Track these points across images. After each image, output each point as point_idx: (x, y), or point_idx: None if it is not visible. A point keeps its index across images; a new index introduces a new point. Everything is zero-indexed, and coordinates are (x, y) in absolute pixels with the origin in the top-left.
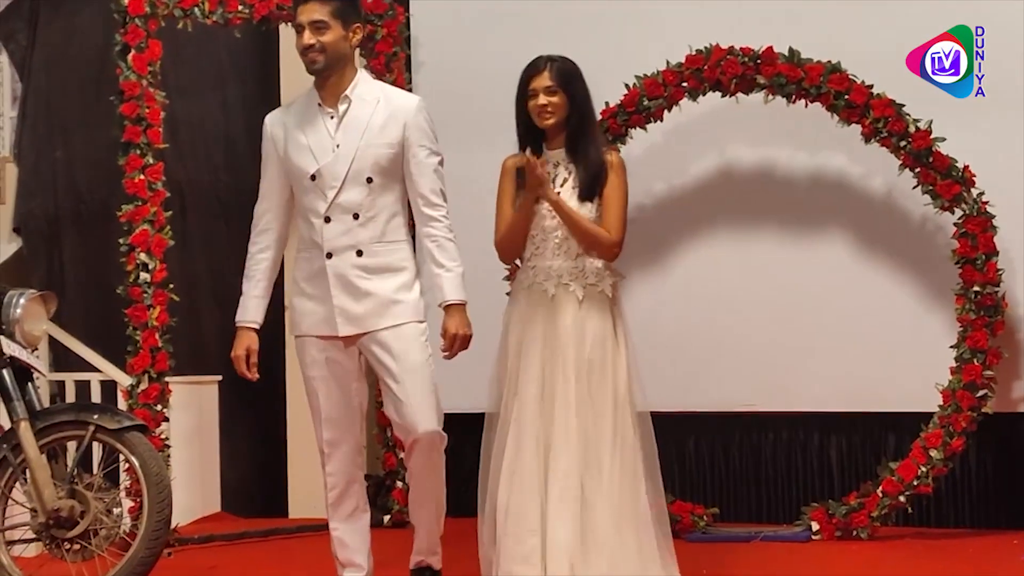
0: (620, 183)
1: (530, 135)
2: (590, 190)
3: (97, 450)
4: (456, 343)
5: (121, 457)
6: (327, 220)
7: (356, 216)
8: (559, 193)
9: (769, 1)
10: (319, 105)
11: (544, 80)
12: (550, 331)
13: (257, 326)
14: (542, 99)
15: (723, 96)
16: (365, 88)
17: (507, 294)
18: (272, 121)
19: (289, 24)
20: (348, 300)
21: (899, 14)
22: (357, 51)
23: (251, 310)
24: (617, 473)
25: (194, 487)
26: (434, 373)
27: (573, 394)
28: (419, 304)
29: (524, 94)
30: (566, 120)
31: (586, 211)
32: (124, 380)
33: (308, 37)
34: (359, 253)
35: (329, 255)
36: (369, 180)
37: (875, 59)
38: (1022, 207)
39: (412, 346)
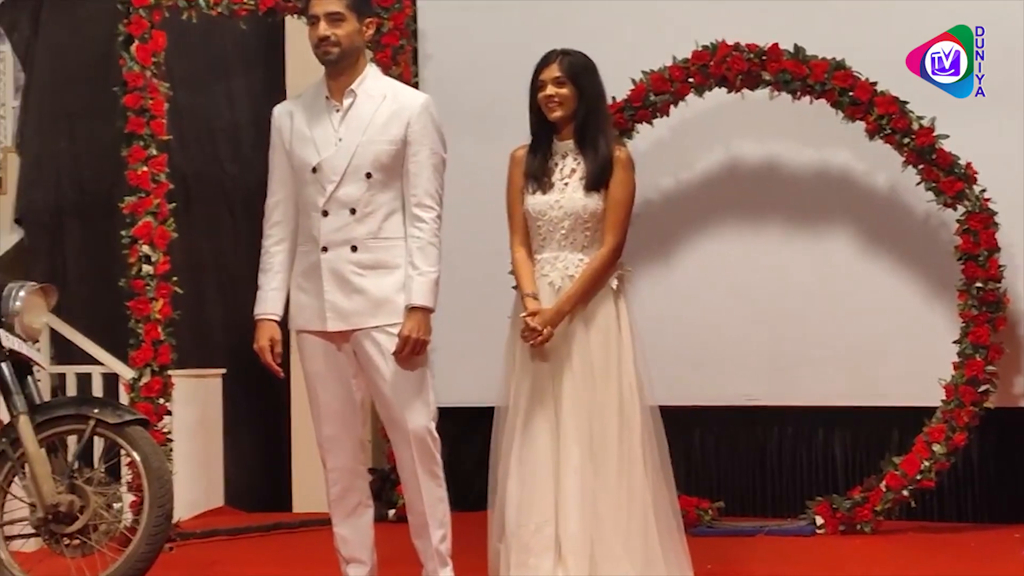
0: (627, 180)
1: (541, 126)
2: (596, 182)
3: (98, 444)
4: (408, 346)
5: (122, 451)
6: (324, 214)
7: (353, 211)
8: (567, 184)
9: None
10: (326, 98)
11: (553, 71)
12: (561, 324)
13: (278, 317)
14: (549, 90)
15: (728, 92)
16: (373, 83)
17: (513, 287)
18: (280, 112)
19: (296, 16)
20: (340, 296)
21: (899, 14)
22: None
23: (269, 302)
24: (625, 471)
25: (197, 481)
26: (427, 372)
27: (580, 389)
28: None
29: (535, 86)
30: (575, 112)
31: (592, 202)
32: (126, 373)
33: (324, 28)
34: (354, 248)
35: (324, 249)
36: (368, 176)
37: (875, 58)
38: (1023, 204)
39: None
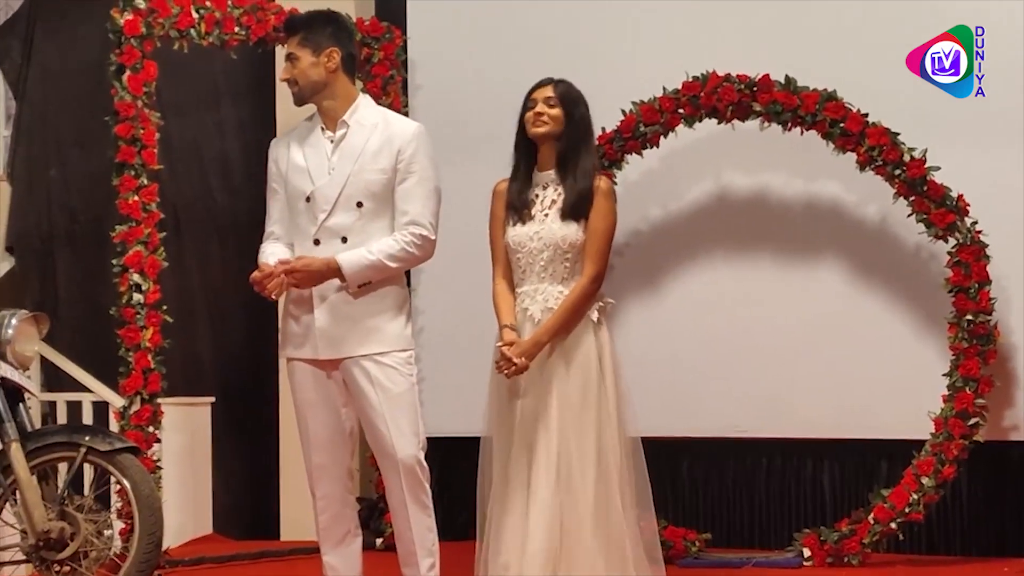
0: (607, 209)
1: (524, 153)
2: (575, 211)
3: (88, 472)
4: (290, 270)
5: (112, 479)
6: (316, 243)
7: (345, 240)
8: (546, 215)
9: (767, 28)
10: (321, 129)
11: (546, 92)
12: (539, 355)
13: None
14: (540, 107)
15: (719, 123)
16: (365, 113)
17: None
18: (276, 144)
19: (284, 46)
20: (331, 323)
21: (899, 14)
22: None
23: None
24: (603, 503)
25: (185, 509)
26: (416, 402)
27: (555, 422)
28: (404, 331)
29: (525, 106)
30: (559, 137)
31: (571, 232)
32: (116, 401)
33: (283, 72)
34: None
35: None
36: (359, 205)
37: (871, 84)
38: (1017, 236)
39: (394, 376)
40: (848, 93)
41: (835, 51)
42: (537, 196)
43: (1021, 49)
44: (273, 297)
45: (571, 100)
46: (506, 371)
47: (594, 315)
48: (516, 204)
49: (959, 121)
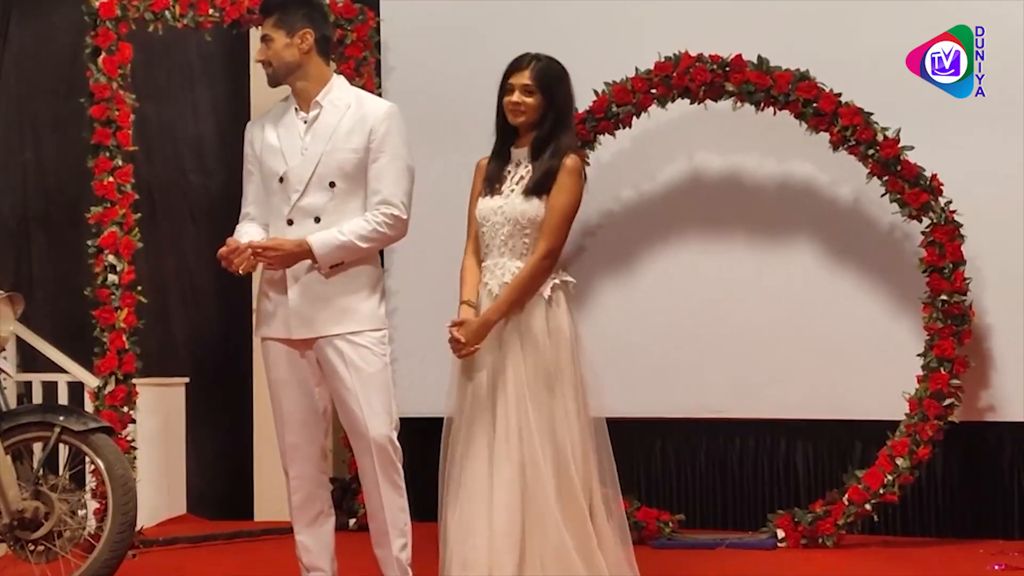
0: (569, 186)
1: (504, 130)
2: (538, 187)
3: (63, 452)
4: (260, 250)
5: (87, 459)
6: (290, 223)
7: (318, 220)
8: (513, 190)
9: (745, 8)
10: (295, 110)
11: (523, 78)
12: (495, 333)
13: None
14: (516, 96)
15: (692, 103)
16: (338, 94)
17: None
18: (251, 126)
19: (259, 27)
20: (304, 303)
21: (899, 14)
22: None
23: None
24: (562, 480)
25: (160, 489)
26: (389, 381)
27: (512, 398)
28: (378, 311)
29: (504, 88)
30: (539, 121)
31: (531, 207)
32: (91, 381)
33: (257, 53)
34: None
35: None
36: (332, 185)
37: (849, 68)
38: (991, 215)
39: (367, 355)
40: (850, 93)
41: (836, 51)
42: (510, 172)
43: (1021, 49)
44: (240, 273)
45: (550, 81)
46: (456, 353)
47: (546, 292)
48: (491, 177)
49: (957, 118)
